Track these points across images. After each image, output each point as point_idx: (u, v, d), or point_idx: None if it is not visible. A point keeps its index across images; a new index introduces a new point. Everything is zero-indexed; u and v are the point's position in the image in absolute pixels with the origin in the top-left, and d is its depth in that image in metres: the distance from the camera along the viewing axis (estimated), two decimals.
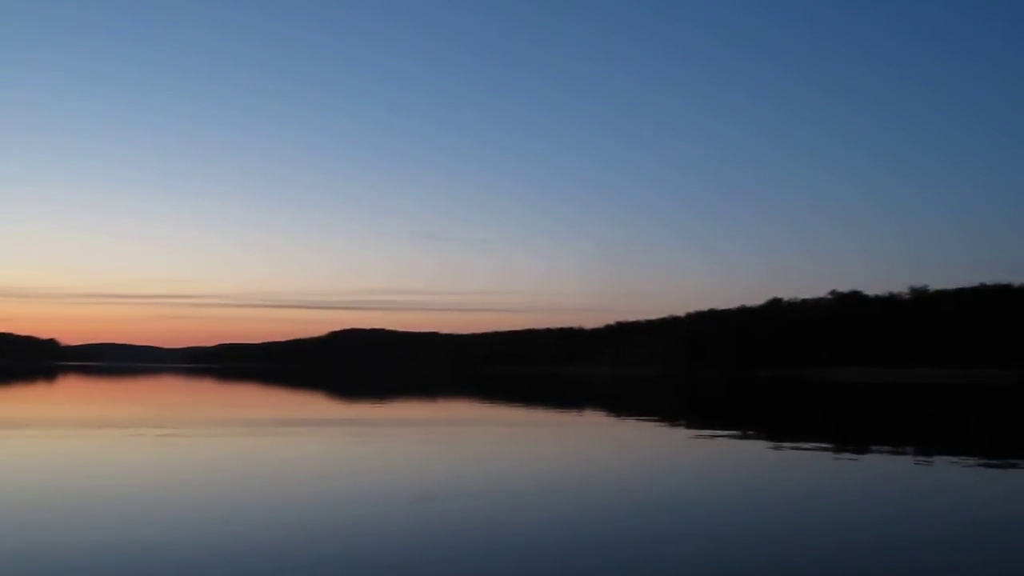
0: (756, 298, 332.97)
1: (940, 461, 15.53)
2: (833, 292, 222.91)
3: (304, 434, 20.04)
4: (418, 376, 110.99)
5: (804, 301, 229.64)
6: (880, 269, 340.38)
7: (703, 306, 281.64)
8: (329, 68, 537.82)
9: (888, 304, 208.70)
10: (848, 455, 16.42)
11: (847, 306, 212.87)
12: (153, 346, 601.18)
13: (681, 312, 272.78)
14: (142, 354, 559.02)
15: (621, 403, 40.52)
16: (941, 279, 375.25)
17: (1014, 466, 15.13)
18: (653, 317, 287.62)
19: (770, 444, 18.68)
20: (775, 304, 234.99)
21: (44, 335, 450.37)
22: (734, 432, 21.92)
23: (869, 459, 15.90)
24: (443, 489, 11.46)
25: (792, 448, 17.69)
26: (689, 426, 24.35)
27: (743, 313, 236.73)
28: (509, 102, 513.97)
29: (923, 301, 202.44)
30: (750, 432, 22.15)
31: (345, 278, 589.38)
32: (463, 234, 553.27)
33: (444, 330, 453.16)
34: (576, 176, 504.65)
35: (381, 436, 19.77)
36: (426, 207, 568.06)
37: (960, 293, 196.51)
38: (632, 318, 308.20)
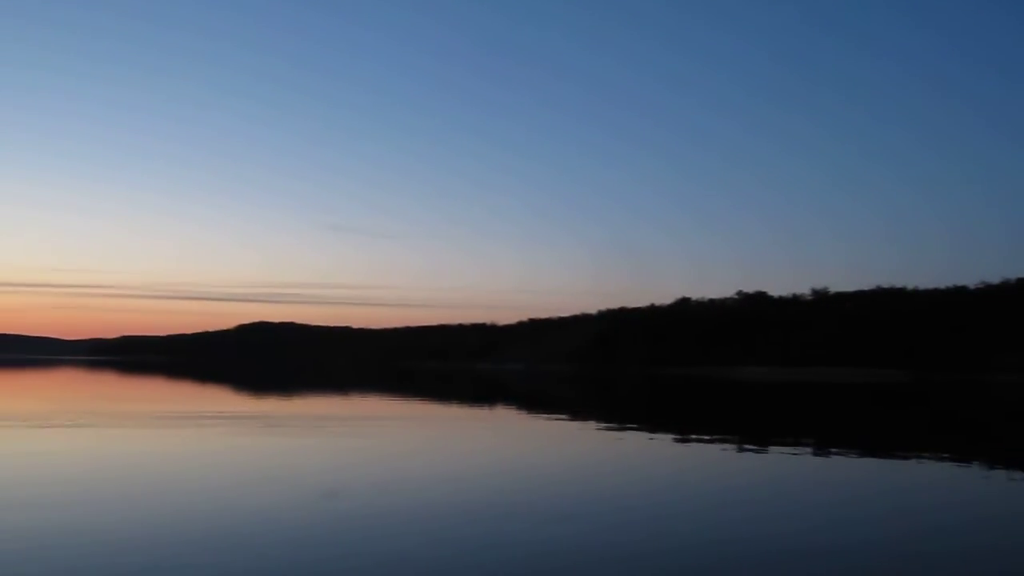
0: (666, 297, 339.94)
1: (836, 454, 16.28)
2: (740, 292, 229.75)
3: (205, 427, 19.46)
4: (330, 371, 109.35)
5: (712, 301, 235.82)
6: (788, 270, 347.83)
7: (615, 304, 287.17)
8: (248, 54, 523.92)
9: (791, 305, 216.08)
10: (750, 448, 16.94)
11: (753, 306, 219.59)
12: (51, 337, 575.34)
13: (593, 310, 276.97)
14: (39, 346, 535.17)
15: (533, 399, 40.77)
16: (845, 281, 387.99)
17: (904, 458, 15.86)
18: (566, 314, 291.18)
19: (676, 437, 19.24)
20: (684, 303, 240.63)
21: None
22: (641, 426, 22.45)
23: (771, 452, 16.41)
24: (348, 486, 11.30)
25: (697, 441, 18.21)
26: (598, 421, 24.66)
27: (653, 312, 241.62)
28: (427, 95, 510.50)
29: (824, 302, 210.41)
30: (658, 428, 22.66)
31: (255, 270, 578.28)
32: (377, 227, 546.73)
33: (357, 324, 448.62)
34: (495, 171, 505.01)
35: (288, 432, 19.37)
36: (339, 199, 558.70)
37: (858, 295, 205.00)
38: (545, 315, 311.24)
